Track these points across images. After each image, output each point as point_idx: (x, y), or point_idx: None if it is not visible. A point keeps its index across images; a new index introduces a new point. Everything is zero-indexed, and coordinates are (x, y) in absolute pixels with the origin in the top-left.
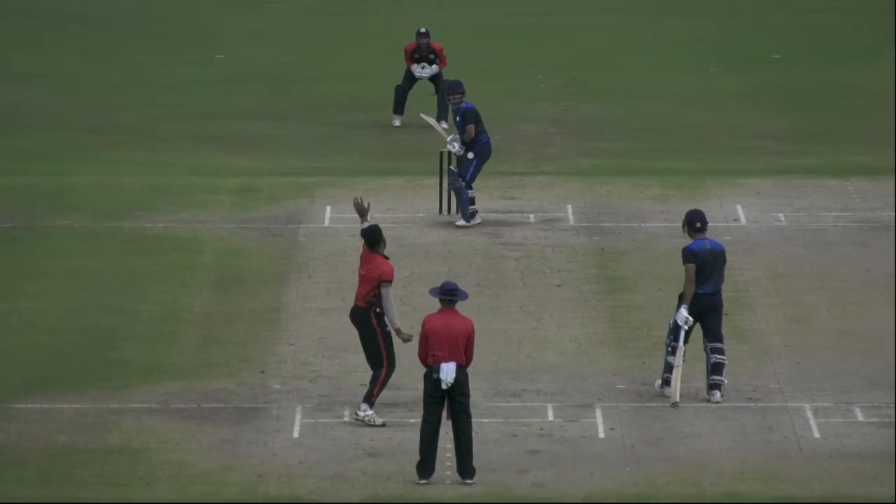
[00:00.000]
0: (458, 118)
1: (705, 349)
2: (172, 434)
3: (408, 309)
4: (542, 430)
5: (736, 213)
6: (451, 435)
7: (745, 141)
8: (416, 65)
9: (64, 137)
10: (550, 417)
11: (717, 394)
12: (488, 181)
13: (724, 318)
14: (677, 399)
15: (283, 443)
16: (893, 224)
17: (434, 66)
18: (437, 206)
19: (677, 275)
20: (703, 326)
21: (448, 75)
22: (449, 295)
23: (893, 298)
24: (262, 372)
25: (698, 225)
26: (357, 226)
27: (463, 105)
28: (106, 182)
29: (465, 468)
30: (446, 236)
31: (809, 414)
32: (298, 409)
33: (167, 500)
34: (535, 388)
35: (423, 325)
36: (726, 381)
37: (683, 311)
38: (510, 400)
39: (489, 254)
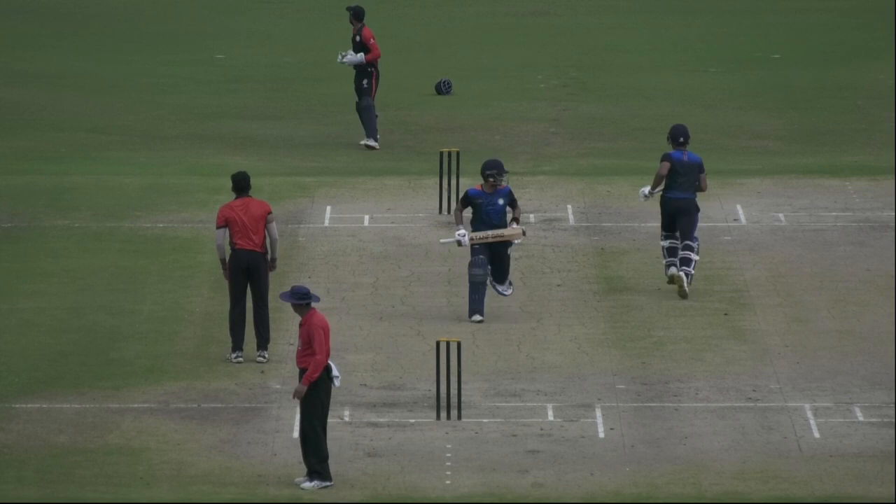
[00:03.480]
0: (500, 200)
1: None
2: (172, 434)
3: (408, 308)
4: (542, 430)
5: (736, 213)
6: (448, 435)
7: (745, 141)
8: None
9: (64, 137)
10: (550, 417)
11: (684, 277)
12: None
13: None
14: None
15: (283, 443)
16: (893, 224)
17: (360, 56)
18: (437, 206)
19: None
20: (678, 228)
21: (448, 76)
22: (305, 299)
23: (893, 298)
24: (262, 372)
25: (681, 140)
26: (357, 226)
27: (503, 186)
28: (106, 182)
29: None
30: (446, 236)
31: (809, 414)
32: (298, 409)
33: (167, 500)
34: (535, 388)
35: (323, 327)
36: (693, 273)
37: (645, 189)
38: (510, 400)
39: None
